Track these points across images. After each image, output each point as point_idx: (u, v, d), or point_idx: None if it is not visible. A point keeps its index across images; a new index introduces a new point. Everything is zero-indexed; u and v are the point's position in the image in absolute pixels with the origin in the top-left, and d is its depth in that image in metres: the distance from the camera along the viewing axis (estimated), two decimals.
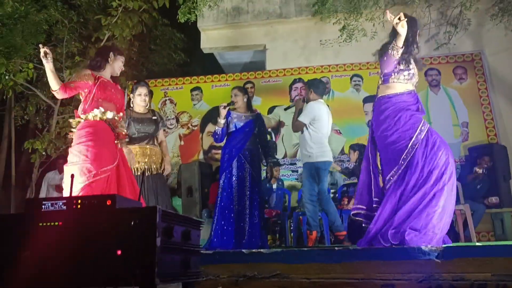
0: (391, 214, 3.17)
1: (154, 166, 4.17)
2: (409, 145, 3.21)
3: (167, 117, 7.85)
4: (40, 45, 3.20)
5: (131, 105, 4.39)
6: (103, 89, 3.40)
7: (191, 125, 7.78)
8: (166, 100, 7.95)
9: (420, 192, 3.11)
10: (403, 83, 3.36)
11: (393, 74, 3.36)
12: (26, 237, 1.26)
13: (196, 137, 7.71)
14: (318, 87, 5.05)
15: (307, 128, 4.87)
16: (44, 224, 1.26)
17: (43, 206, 1.33)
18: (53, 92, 3.33)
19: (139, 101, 4.32)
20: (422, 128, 3.25)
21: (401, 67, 3.34)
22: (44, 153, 7.45)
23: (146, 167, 4.09)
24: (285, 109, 6.19)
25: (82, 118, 3.31)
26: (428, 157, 3.19)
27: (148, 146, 4.22)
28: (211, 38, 8.33)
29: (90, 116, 3.29)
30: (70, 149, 3.26)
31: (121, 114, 3.45)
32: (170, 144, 7.73)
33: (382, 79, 3.44)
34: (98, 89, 3.39)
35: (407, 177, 3.18)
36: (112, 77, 3.63)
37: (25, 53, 6.89)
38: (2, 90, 7.13)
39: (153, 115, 4.39)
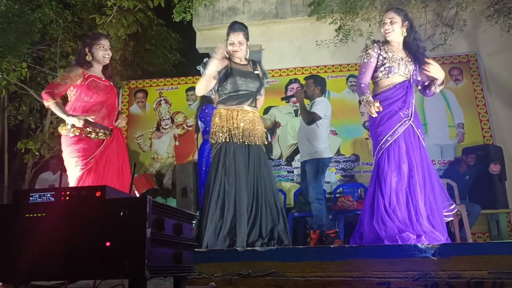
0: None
1: (259, 135, 3.53)
2: (380, 143, 3.30)
3: (162, 117, 7.82)
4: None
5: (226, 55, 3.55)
6: (90, 89, 3.41)
7: (186, 125, 7.75)
8: (161, 100, 7.91)
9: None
10: (385, 78, 3.40)
11: (374, 73, 3.45)
12: (12, 228, 1.23)
13: (191, 138, 7.66)
14: (323, 86, 5.25)
15: (315, 124, 4.94)
16: (31, 215, 1.22)
17: (30, 198, 1.30)
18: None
19: (232, 51, 3.56)
20: (396, 131, 3.27)
21: (377, 64, 3.42)
22: (37, 153, 7.40)
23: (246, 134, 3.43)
24: (283, 99, 6.16)
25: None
26: (394, 160, 3.24)
27: (250, 109, 3.53)
28: (207, 38, 8.30)
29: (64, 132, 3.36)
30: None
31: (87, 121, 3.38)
32: (165, 144, 7.71)
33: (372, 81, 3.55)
34: (85, 89, 3.40)
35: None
36: (106, 70, 3.59)
37: (19, 52, 6.86)
38: None
39: (254, 68, 3.63)
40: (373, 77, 3.47)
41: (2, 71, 6.71)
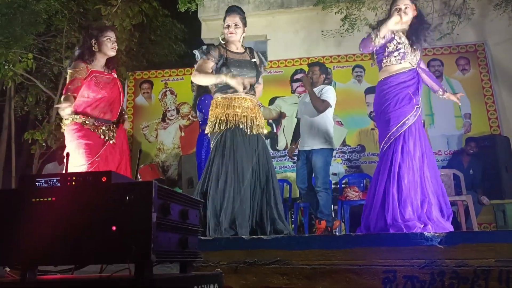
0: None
1: (258, 123, 3.46)
2: (389, 133, 3.22)
3: (168, 108, 7.82)
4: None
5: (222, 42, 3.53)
6: (92, 85, 3.38)
7: (192, 116, 7.73)
8: (166, 91, 7.91)
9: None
10: (396, 63, 3.33)
11: (384, 58, 3.37)
12: (19, 213, 1.23)
13: (197, 128, 7.64)
14: (328, 75, 5.23)
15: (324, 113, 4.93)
16: (37, 199, 1.22)
17: (37, 183, 1.30)
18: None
19: (228, 33, 3.45)
20: (406, 121, 3.21)
21: (390, 49, 3.34)
22: (44, 144, 7.44)
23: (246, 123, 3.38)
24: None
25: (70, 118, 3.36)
26: (407, 149, 3.18)
27: (247, 96, 3.45)
28: (212, 29, 8.26)
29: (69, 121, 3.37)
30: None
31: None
32: (171, 135, 7.71)
33: (378, 66, 3.47)
34: (88, 84, 3.38)
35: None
36: (111, 61, 3.55)
37: (24, 43, 6.86)
38: (1, 80, 7.10)
39: (251, 56, 3.54)
40: (384, 61, 3.38)
41: (8, 62, 6.72)
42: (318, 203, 4.81)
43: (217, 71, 3.39)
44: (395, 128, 3.20)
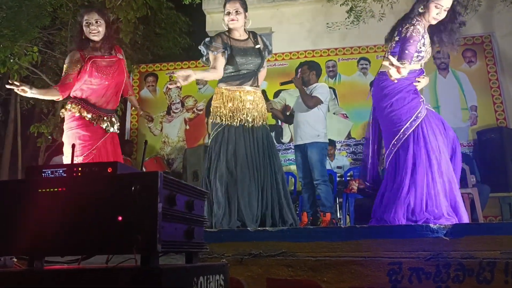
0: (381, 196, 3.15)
1: (262, 116, 3.42)
2: (401, 130, 3.06)
3: (172, 101, 7.81)
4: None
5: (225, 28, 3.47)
6: (93, 72, 3.23)
7: (197, 109, 7.75)
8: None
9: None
10: (413, 64, 3.07)
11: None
12: (25, 203, 1.24)
13: (202, 121, 7.68)
14: (318, 70, 5.32)
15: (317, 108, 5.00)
16: (44, 190, 1.23)
17: (43, 174, 1.31)
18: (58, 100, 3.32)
19: (229, 20, 3.39)
20: (419, 115, 3.05)
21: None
22: (50, 137, 7.47)
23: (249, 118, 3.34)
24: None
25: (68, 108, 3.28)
26: (420, 144, 3.02)
27: (251, 89, 3.42)
28: (217, 21, 8.21)
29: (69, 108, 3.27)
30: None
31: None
32: (176, 128, 7.72)
33: (388, 52, 3.16)
34: (89, 72, 3.23)
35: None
36: (105, 43, 3.33)
37: (30, 36, 6.85)
38: (7, 73, 7.11)
39: (255, 41, 3.49)
40: (397, 57, 2.99)
41: (13, 55, 6.72)
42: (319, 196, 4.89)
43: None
44: (408, 123, 3.05)
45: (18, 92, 2.98)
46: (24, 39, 6.72)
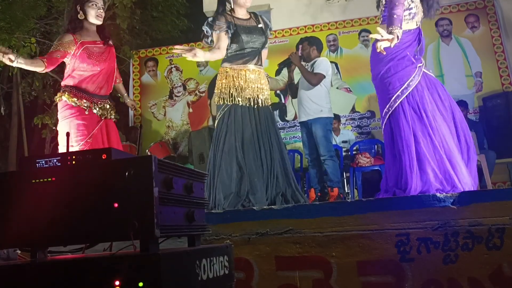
0: None
1: (266, 96, 3.44)
2: (392, 98, 3.04)
3: (174, 85, 7.77)
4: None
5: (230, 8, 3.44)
6: (85, 58, 3.20)
7: (199, 91, 7.70)
8: (172, 67, 7.85)
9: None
10: (405, 23, 3.04)
11: None
12: (21, 194, 1.22)
13: (205, 104, 7.64)
14: (319, 45, 5.22)
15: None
16: (38, 180, 1.21)
17: (37, 164, 1.29)
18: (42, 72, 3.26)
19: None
20: (411, 83, 3.01)
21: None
22: (54, 128, 7.46)
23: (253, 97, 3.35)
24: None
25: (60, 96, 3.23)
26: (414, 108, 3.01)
27: (256, 68, 3.43)
28: (214, 1, 8.09)
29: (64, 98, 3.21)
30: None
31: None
32: (179, 112, 7.69)
33: (381, 20, 3.17)
34: (80, 57, 3.19)
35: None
36: (102, 30, 3.33)
37: (26, 27, 6.81)
38: (7, 66, 7.08)
39: (257, 21, 3.49)
40: None
41: (11, 48, 6.68)
42: (326, 171, 4.86)
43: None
44: (399, 91, 3.03)
45: (3, 60, 2.93)
46: (21, 31, 6.68)
